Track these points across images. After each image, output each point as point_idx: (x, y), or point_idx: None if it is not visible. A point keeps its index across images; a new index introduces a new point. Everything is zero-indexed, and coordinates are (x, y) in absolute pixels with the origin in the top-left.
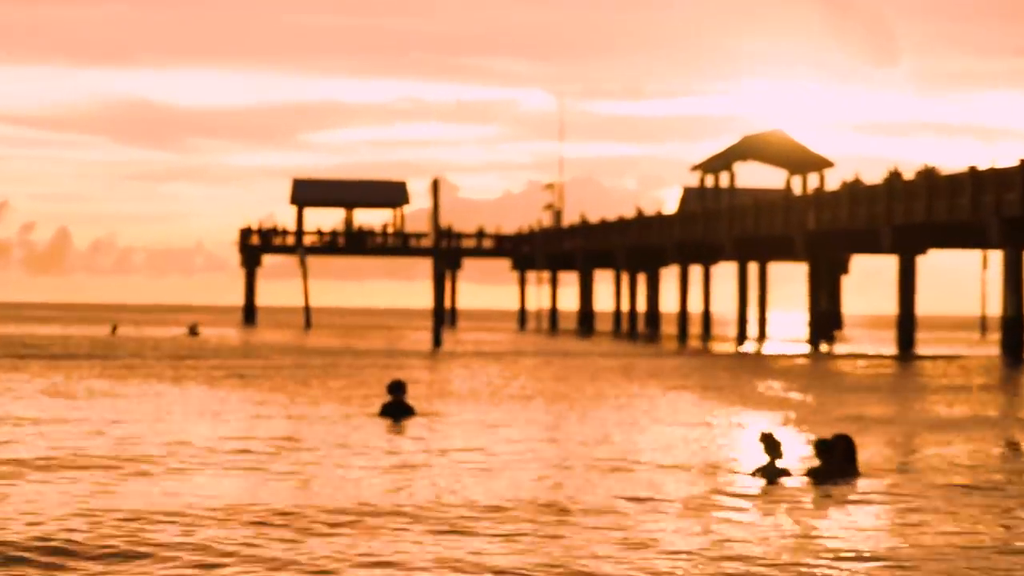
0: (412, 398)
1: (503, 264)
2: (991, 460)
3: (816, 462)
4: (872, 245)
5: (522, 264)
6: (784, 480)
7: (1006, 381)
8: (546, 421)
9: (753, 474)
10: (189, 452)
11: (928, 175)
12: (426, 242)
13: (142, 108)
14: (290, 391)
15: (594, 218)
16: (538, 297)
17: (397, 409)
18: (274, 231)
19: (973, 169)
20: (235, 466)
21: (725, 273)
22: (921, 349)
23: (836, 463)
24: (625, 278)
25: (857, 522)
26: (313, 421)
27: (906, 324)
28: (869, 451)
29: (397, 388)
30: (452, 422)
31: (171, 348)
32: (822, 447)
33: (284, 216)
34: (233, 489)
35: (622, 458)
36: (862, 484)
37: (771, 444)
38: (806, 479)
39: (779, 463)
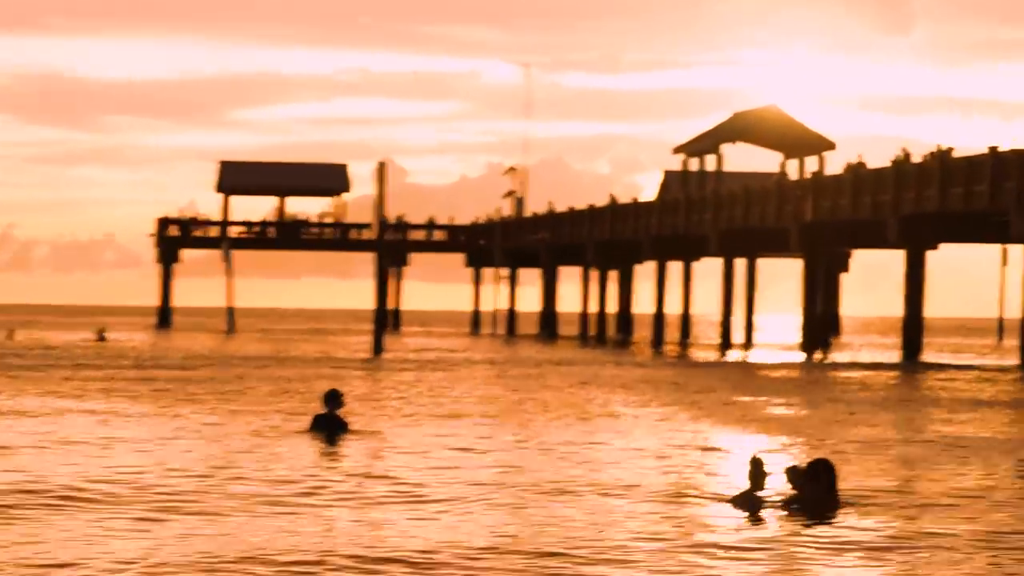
0: (346, 413)
1: (456, 259)
2: (997, 492)
3: (792, 490)
4: (876, 238)
5: (478, 260)
6: (762, 511)
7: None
8: (495, 442)
9: (731, 503)
10: (83, 487)
11: (941, 158)
12: (369, 234)
13: (48, 81)
14: (206, 406)
15: (561, 207)
16: (495, 297)
17: (329, 424)
18: (195, 221)
19: (993, 151)
20: (138, 505)
21: (709, 270)
22: (929, 357)
23: (815, 491)
24: (594, 276)
25: (828, 561)
26: (229, 443)
27: (913, 328)
28: (860, 477)
29: (332, 399)
30: (388, 444)
31: (75, 355)
32: (799, 473)
33: (208, 204)
34: (131, 533)
35: (578, 487)
36: (842, 516)
37: (757, 471)
38: (783, 509)
39: (761, 492)
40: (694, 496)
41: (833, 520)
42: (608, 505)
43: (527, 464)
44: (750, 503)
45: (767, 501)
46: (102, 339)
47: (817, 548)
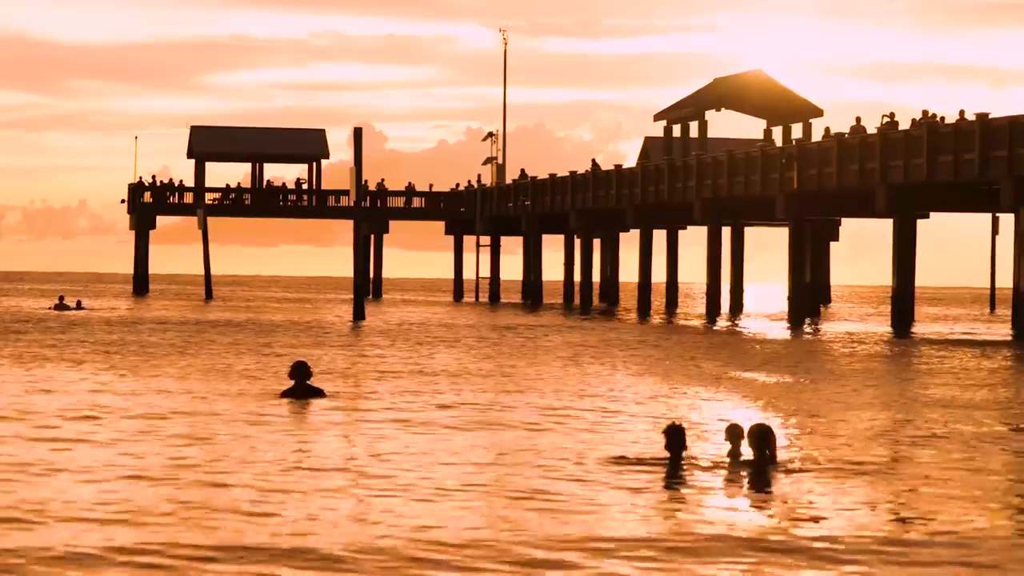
0: (324, 382)
1: (436, 227)
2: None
3: (730, 448)
4: (865, 207)
5: (458, 227)
6: (687, 476)
7: (1017, 368)
8: (474, 409)
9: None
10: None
11: (930, 125)
12: (347, 201)
13: (15, 44)
14: (176, 375)
15: (543, 174)
16: (477, 265)
17: (301, 395)
18: (170, 187)
19: (983, 118)
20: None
21: (694, 238)
22: (920, 327)
23: (754, 455)
24: (578, 244)
25: (763, 525)
26: (200, 415)
27: (903, 298)
28: (810, 446)
29: (300, 372)
30: (367, 410)
31: (37, 324)
32: (739, 433)
33: (181, 170)
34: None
35: (528, 451)
36: (779, 481)
37: (676, 437)
38: (721, 472)
39: (683, 459)
40: (631, 460)
41: (769, 485)
42: (542, 466)
43: (493, 426)
44: (675, 469)
45: (692, 466)
46: (64, 308)
47: (754, 513)
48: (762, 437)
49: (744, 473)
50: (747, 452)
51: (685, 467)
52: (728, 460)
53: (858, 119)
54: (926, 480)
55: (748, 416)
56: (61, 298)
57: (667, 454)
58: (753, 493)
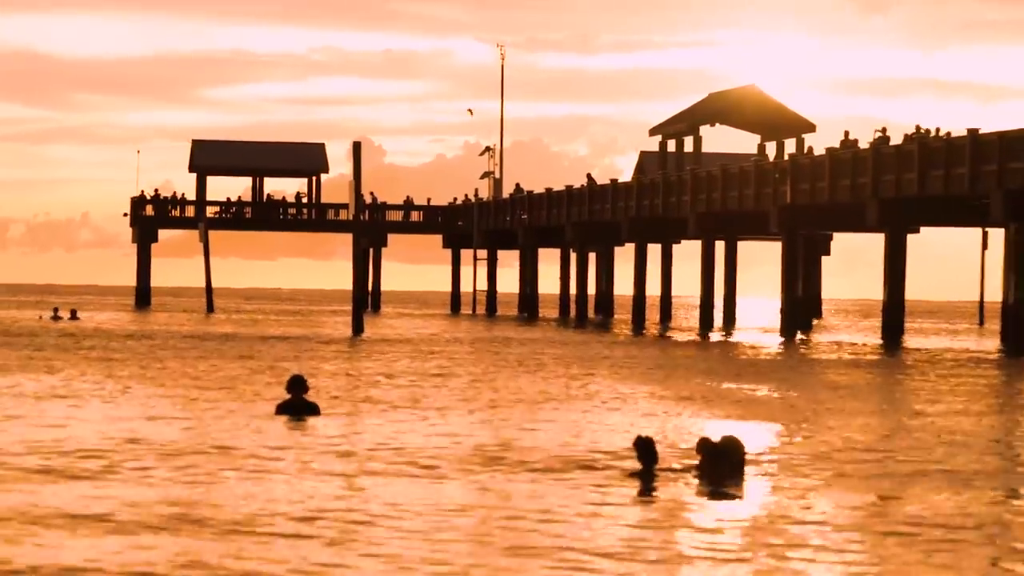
0: (322, 396)
1: (434, 240)
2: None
3: (698, 461)
4: (857, 221)
5: (456, 241)
6: (658, 488)
7: (1004, 381)
8: (466, 424)
9: (636, 480)
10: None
11: (921, 140)
12: (346, 215)
13: (19, 59)
14: (175, 388)
15: (539, 188)
16: (474, 278)
17: (297, 409)
18: (171, 201)
19: (973, 134)
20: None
21: (688, 252)
22: (910, 340)
23: (722, 467)
24: (574, 257)
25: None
26: (194, 431)
27: (894, 311)
28: (787, 461)
29: (296, 385)
30: (364, 425)
31: (29, 334)
32: (709, 447)
33: (183, 184)
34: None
35: (504, 461)
36: (743, 492)
37: (646, 450)
38: (688, 482)
39: (654, 470)
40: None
41: (733, 496)
42: (515, 473)
43: (475, 436)
44: (646, 480)
45: (662, 478)
46: (59, 318)
47: (716, 521)
48: (730, 452)
49: (710, 490)
50: (716, 466)
51: (655, 482)
52: (697, 474)
53: (846, 133)
54: (909, 522)
55: (726, 429)
56: (56, 310)
57: (639, 466)
58: (718, 523)
